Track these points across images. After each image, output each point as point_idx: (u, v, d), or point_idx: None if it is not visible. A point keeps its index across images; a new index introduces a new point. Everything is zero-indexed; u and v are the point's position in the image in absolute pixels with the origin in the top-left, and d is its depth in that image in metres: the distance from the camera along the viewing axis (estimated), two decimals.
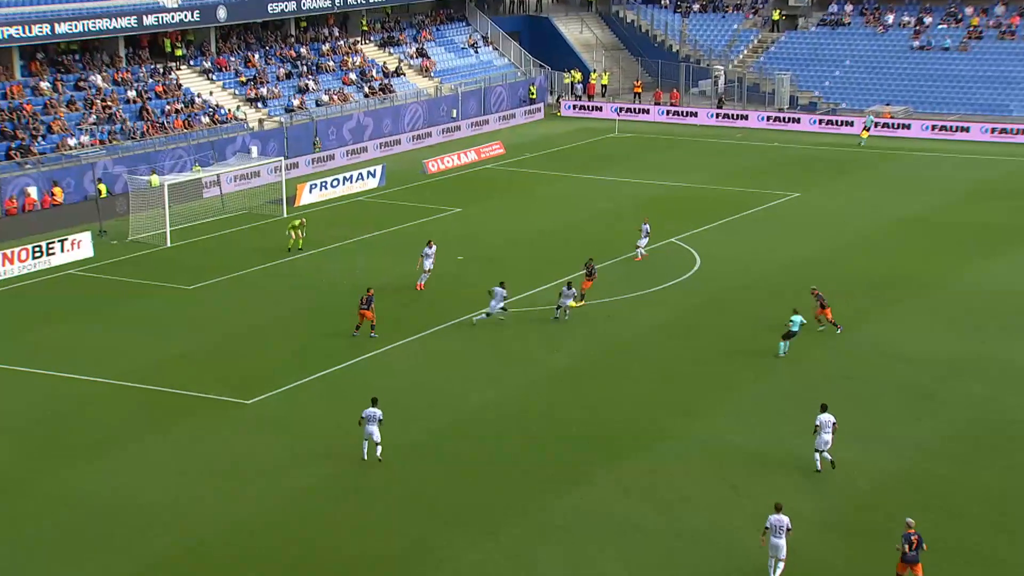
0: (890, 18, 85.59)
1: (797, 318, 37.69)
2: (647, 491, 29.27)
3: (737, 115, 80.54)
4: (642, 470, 30.43)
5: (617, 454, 31.29)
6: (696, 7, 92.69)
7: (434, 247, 45.11)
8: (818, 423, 29.86)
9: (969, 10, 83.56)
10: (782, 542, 24.96)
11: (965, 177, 62.82)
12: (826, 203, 58.34)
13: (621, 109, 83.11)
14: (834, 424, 29.77)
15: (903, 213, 55.71)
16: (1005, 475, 29.63)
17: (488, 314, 40.26)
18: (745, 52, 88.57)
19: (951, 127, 73.29)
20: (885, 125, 74.92)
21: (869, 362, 37.20)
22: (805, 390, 35.06)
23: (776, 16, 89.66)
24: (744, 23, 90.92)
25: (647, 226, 48.84)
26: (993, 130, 72.13)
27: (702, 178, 64.35)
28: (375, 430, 30.27)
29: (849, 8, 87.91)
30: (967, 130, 72.90)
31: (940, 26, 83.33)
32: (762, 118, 79.45)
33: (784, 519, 25.03)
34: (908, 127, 74.25)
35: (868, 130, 72.16)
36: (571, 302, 40.93)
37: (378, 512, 28.31)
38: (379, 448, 30.36)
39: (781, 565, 25.02)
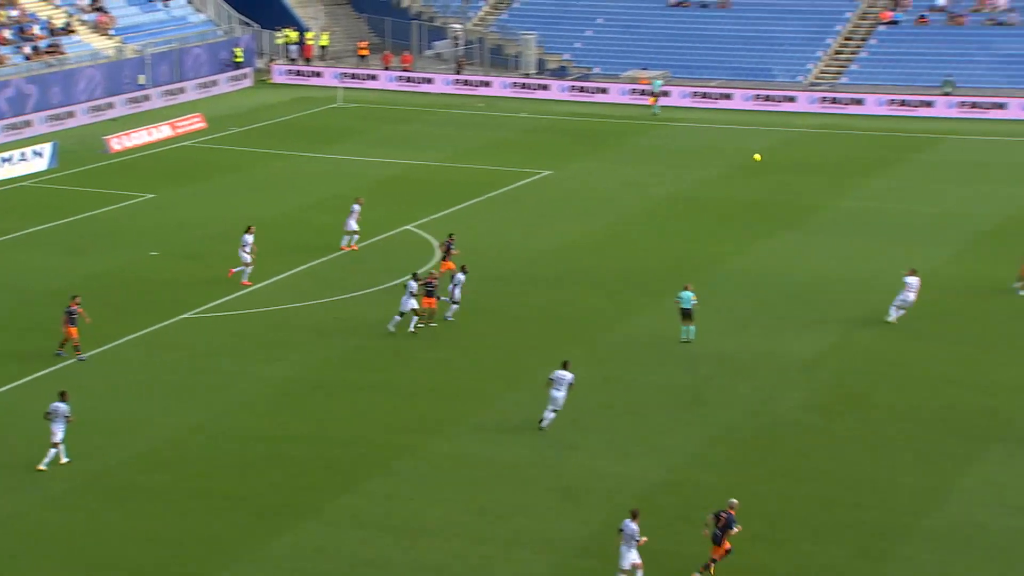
0: None
1: (687, 294, 38.83)
2: (383, 520, 29.39)
3: (479, 82, 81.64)
4: (378, 496, 30.54)
5: (349, 479, 31.28)
6: None
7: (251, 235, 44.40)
8: (552, 378, 31.96)
9: None
10: (633, 552, 26.06)
11: (729, 149, 65.68)
12: (582, 181, 59.90)
13: (344, 75, 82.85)
14: (571, 383, 32.47)
15: (666, 191, 57.83)
16: (772, 480, 31.18)
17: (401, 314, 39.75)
18: (485, 9, 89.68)
19: (713, 94, 76.51)
20: (642, 92, 77.37)
21: (633, 362, 38.43)
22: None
23: None
24: None
25: (358, 206, 48.50)
26: (757, 96, 75.72)
27: (441, 155, 64.95)
28: (60, 430, 30.19)
29: None
30: (730, 97, 76.30)
31: None
32: (507, 85, 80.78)
33: (635, 527, 26.11)
34: (667, 94, 77.01)
35: (657, 97, 74.30)
36: (413, 303, 40.04)
37: (53, 560, 27.37)
38: (62, 449, 29.86)
39: (639, 574, 26.06)
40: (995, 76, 74.25)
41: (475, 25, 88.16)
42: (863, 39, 79.95)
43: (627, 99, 77.36)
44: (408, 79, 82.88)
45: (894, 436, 33.35)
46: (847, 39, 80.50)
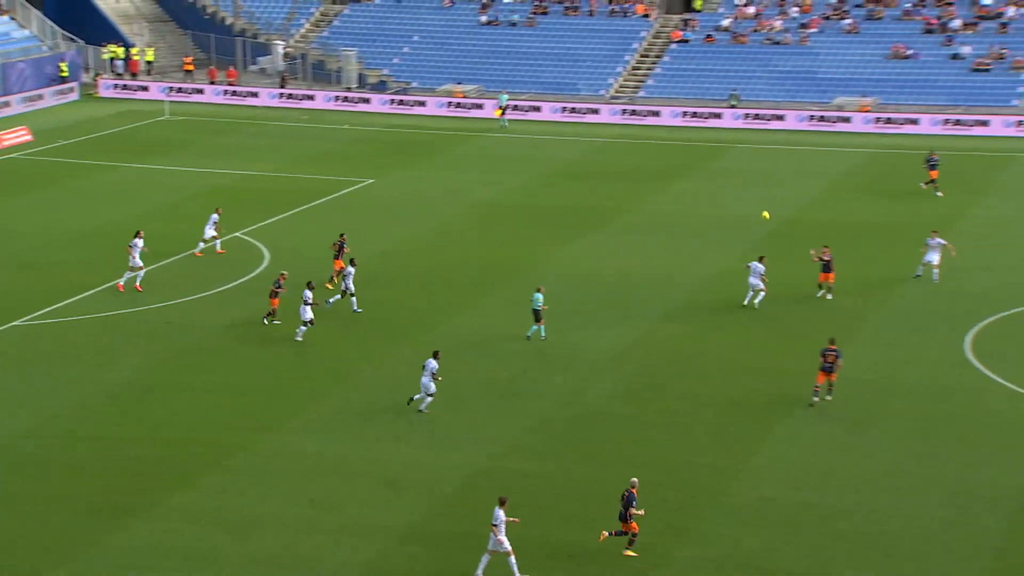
0: None
1: (539, 296, 39.08)
2: (217, 515, 28.91)
3: (302, 95, 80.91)
4: (211, 492, 30.03)
5: (182, 477, 30.68)
6: None
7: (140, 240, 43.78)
8: (425, 366, 33.75)
9: None
10: (502, 537, 26.12)
11: (540, 158, 66.26)
12: (404, 189, 59.76)
13: (171, 89, 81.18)
14: (435, 372, 33.65)
15: (482, 197, 58.06)
16: (584, 465, 31.58)
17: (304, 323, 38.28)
18: (307, 26, 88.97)
19: (523, 106, 77.08)
20: (458, 105, 77.68)
21: (454, 358, 38.46)
22: (386, 391, 35.89)
23: None
24: None
25: (216, 216, 48.15)
26: (564, 109, 76.59)
27: (268, 165, 64.13)
28: None
29: None
30: (539, 109, 76.96)
31: (507, 0, 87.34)
32: (330, 98, 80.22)
33: (502, 514, 26.16)
34: (481, 107, 77.38)
35: (504, 110, 74.39)
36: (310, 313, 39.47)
37: None
38: None
39: (512, 560, 26.06)
40: (774, 90, 76.43)
41: (297, 42, 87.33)
42: (658, 56, 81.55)
43: (444, 111, 77.55)
44: (234, 93, 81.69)
45: (693, 421, 34.07)
46: (643, 56, 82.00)
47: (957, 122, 69.64)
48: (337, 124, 75.13)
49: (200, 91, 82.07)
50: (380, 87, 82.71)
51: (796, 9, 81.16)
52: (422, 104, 78.72)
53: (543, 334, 39.43)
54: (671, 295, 43.80)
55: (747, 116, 73.49)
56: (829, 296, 42.61)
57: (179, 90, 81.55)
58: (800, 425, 33.66)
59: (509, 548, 26.20)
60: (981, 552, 27.15)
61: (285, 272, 41.95)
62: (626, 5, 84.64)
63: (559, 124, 74.83)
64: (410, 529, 28.41)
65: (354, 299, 41.89)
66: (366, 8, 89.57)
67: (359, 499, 29.72)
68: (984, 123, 69.24)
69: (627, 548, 27.13)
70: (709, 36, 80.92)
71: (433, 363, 34.18)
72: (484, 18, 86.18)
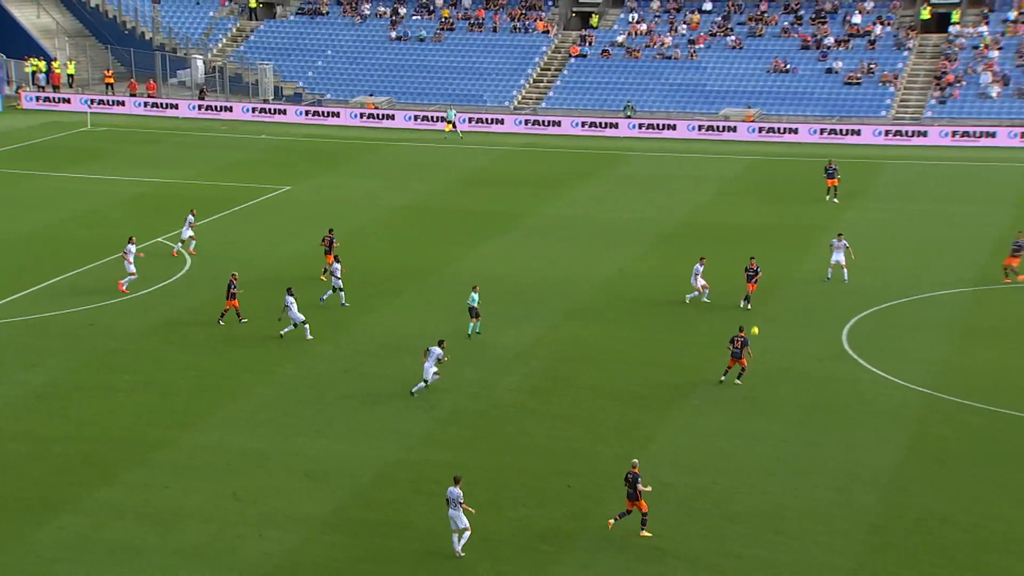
0: (367, 8, 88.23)
1: (474, 295, 38.90)
2: (142, 509, 28.31)
3: (221, 107, 79.79)
4: (136, 487, 29.40)
5: (107, 472, 30.01)
6: None
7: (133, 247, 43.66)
8: (429, 353, 34.22)
9: (439, 1, 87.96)
10: (459, 513, 26.17)
11: (448, 166, 66.06)
12: (319, 195, 59.19)
13: (92, 101, 79.55)
14: (439, 358, 34.25)
15: (394, 203, 57.70)
16: (494, 454, 31.45)
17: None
18: (224, 41, 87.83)
19: (432, 117, 76.85)
20: (371, 116, 77.19)
21: (371, 354, 38.18)
22: (306, 388, 35.50)
23: (253, 4, 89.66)
24: (220, 10, 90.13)
25: (191, 217, 48.40)
26: (471, 119, 76.42)
27: (188, 173, 63.16)
28: None
29: None
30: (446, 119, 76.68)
31: (415, 17, 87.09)
32: (247, 110, 79.21)
33: (458, 491, 26.23)
34: (392, 118, 76.96)
35: (452, 124, 73.85)
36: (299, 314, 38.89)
37: None
38: None
39: (466, 535, 26.21)
40: (666, 102, 77.09)
41: (214, 55, 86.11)
42: (558, 70, 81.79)
43: (357, 122, 77.06)
44: (154, 105, 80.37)
45: (596, 412, 34.12)
46: (544, 69, 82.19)
47: (832, 131, 70.76)
48: (255, 134, 74.20)
49: (121, 103, 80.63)
50: (296, 99, 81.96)
51: (685, 26, 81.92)
52: (336, 115, 78.14)
53: (479, 330, 39.31)
54: (574, 294, 43.88)
55: (641, 126, 73.99)
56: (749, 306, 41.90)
57: (101, 102, 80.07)
58: (695, 414, 33.88)
59: (467, 523, 26.33)
60: (860, 528, 27.55)
61: (236, 272, 41.25)
62: (527, 22, 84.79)
63: (466, 133, 74.64)
64: (330, 518, 28.06)
65: (342, 293, 41.93)
66: (281, 24, 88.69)
67: (280, 491, 29.29)
68: (856, 132, 70.46)
69: (642, 529, 27.15)
70: (605, 51, 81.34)
71: (438, 351, 34.42)
72: (394, 34, 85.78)
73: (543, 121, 75.79)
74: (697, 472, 30.36)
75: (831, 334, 39.64)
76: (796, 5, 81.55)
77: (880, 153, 67.20)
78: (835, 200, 56.36)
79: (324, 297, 42.27)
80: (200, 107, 79.83)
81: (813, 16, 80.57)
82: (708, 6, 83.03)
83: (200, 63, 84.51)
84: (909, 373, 36.07)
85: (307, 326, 38.98)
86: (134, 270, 43.42)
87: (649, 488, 27.45)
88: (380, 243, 50.99)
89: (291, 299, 38.93)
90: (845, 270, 44.59)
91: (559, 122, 75.19)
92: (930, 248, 48.74)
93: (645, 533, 27.19)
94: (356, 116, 77.66)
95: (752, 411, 33.91)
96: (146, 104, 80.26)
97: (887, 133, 70.21)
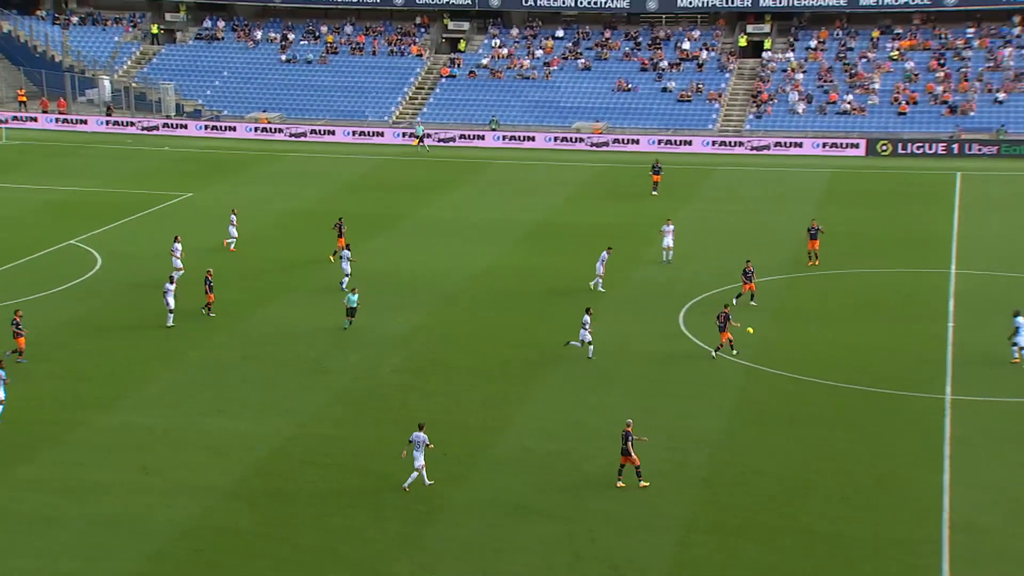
0: (259, 34, 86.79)
1: (354, 296, 38.43)
2: (59, 484, 27.62)
3: (127, 122, 77.75)
4: (53, 464, 28.65)
5: (26, 452, 29.18)
6: (75, 19, 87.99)
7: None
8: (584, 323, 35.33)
9: (324, 28, 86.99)
10: (420, 454, 27.24)
11: (334, 174, 65.39)
12: (220, 201, 57.96)
13: (7, 118, 76.66)
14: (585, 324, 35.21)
15: (286, 207, 56.90)
16: (379, 428, 31.39)
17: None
18: (129, 63, 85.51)
19: (320, 130, 76.00)
20: (264, 130, 75.97)
21: (267, 342, 37.69)
22: (209, 372, 34.97)
23: (155, 30, 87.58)
24: (125, 36, 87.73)
25: (234, 217, 48.47)
26: (354, 132, 75.80)
27: (98, 182, 61.44)
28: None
29: (222, 24, 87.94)
30: (333, 133, 75.92)
31: (302, 42, 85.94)
32: (152, 125, 77.25)
33: (423, 435, 27.30)
34: (282, 131, 75.86)
35: (420, 139, 72.63)
36: None
37: None
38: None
39: (418, 474, 27.28)
40: (525, 116, 77.40)
41: (120, 76, 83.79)
42: (431, 88, 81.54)
43: (251, 135, 75.79)
44: (65, 121, 77.87)
45: (468, 388, 34.25)
46: (419, 88, 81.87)
47: (668, 141, 71.92)
48: (158, 147, 72.45)
49: (34, 119, 77.95)
50: (195, 115, 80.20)
51: (541, 51, 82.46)
52: (232, 129, 76.76)
53: (347, 326, 38.88)
54: (448, 286, 43.91)
55: (505, 137, 74.24)
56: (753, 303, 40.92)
57: (14, 118, 77.28)
58: (553, 389, 34.24)
59: (423, 464, 27.29)
60: (693, 482, 28.21)
61: (211, 269, 40.57)
62: (403, 46, 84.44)
63: (351, 144, 74.02)
64: (231, 488, 27.70)
65: (346, 279, 42.10)
66: (181, 48, 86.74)
67: (186, 464, 28.81)
68: (688, 142, 71.75)
69: (640, 480, 27.45)
70: (472, 72, 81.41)
71: (587, 317, 35.71)
72: (284, 57, 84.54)
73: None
74: (555, 439, 30.70)
75: (669, 317, 40.37)
76: (635, 33, 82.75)
77: (708, 160, 68.63)
78: (654, 192, 58.27)
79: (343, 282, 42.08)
80: (108, 122, 77.65)
81: (650, 43, 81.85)
82: (560, 33, 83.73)
83: (107, 83, 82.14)
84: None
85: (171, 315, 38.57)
86: (181, 265, 43.18)
87: (646, 439, 28.11)
88: (274, 243, 50.29)
89: (169, 284, 38.49)
90: (671, 251, 45.73)
91: (432, 135, 74.97)
92: (750, 241, 50.02)
93: (644, 484, 27.57)
94: (251, 130, 76.40)
95: (601, 385, 34.41)
96: (57, 120, 77.75)
97: (713, 143, 71.71)
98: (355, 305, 38.87)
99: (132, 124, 77.22)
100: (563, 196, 59.84)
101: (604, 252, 42.85)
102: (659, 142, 71.94)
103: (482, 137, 74.50)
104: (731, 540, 25.52)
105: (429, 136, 73.20)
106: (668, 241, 45.86)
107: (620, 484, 27.65)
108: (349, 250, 43.27)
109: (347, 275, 42.50)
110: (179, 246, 44.15)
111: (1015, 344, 35.32)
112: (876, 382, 34.07)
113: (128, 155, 69.61)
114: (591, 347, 35.63)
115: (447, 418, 31.94)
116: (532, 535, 25.75)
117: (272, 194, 59.81)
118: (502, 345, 37.78)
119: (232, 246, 48.42)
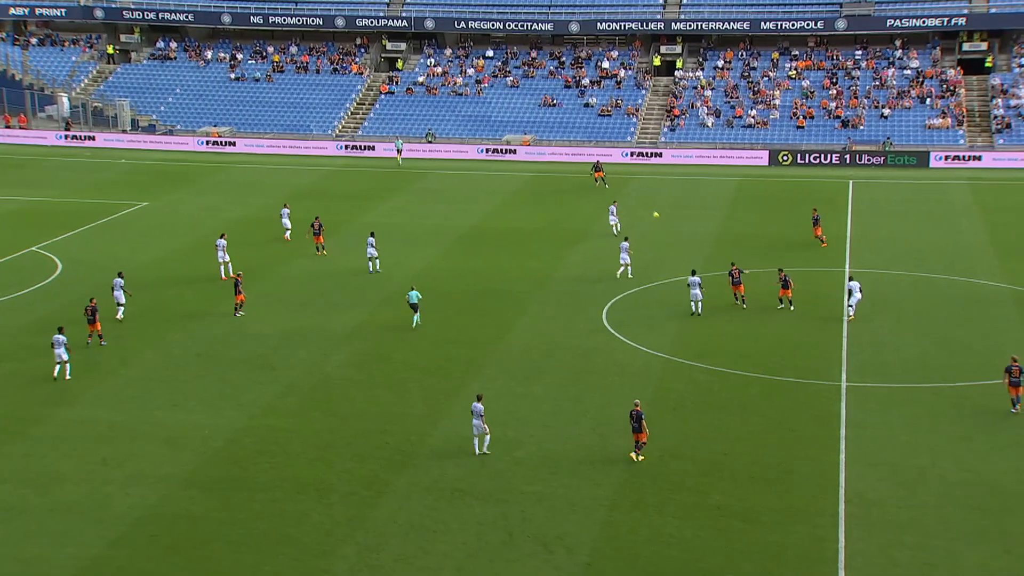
0: (209, 54, 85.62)
1: (414, 293, 38.22)
2: (22, 474, 26.99)
3: (85, 136, 76.16)
4: (17, 456, 27.98)
5: None
6: (35, 40, 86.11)
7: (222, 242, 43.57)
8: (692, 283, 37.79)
9: (271, 48, 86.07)
10: (481, 422, 28.33)
11: (280, 184, 64.63)
12: (173, 208, 57.15)
13: None
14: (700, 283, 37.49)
15: (235, 215, 56.15)
16: (325, 419, 31.10)
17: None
18: (86, 81, 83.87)
19: (266, 144, 75.13)
20: (215, 143, 74.96)
21: (222, 341, 37.16)
22: (167, 370, 34.41)
23: (111, 50, 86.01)
24: (83, 56, 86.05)
25: (287, 210, 50.27)
26: (299, 145, 75.01)
27: (57, 192, 60.17)
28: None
29: (174, 45, 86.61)
30: (279, 146, 75.09)
31: (250, 61, 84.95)
32: (109, 139, 75.84)
33: (480, 406, 28.35)
34: (234, 144, 74.90)
35: (400, 152, 71.56)
36: None
37: None
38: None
39: (487, 438, 28.37)
40: (459, 129, 77.31)
41: (78, 93, 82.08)
42: (371, 104, 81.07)
43: (203, 148, 74.76)
44: (26, 135, 75.97)
45: (408, 381, 34.10)
46: (360, 104, 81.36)
47: (590, 153, 72.33)
48: (115, 159, 71.07)
49: None
50: (150, 129, 78.89)
51: (473, 69, 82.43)
52: (184, 143, 75.60)
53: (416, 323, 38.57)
54: (388, 286, 43.66)
55: (439, 149, 74.06)
56: (791, 308, 40.09)
57: None
58: (487, 381, 34.21)
59: (487, 429, 28.23)
60: (616, 464, 28.39)
61: (241, 272, 41.04)
62: (345, 65, 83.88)
63: (295, 156, 73.29)
64: (187, 477, 27.29)
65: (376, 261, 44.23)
66: (136, 67, 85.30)
67: (143, 455, 28.32)
68: (608, 154, 72.29)
69: (638, 453, 28.07)
70: (409, 89, 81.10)
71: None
72: (233, 75, 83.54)
73: (360, 146, 75.01)
74: (489, 426, 30.64)
75: (594, 313, 40.57)
76: (559, 53, 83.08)
77: (627, 170, 69.15)
78: (606, 185, 61.34)
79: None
80: (67, 136, 76.05)
81: (573, 62, 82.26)
82: (491, 53, 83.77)
83: (65, 100, 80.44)
84: (652, 343, 37.33)
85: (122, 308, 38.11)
86: (228, 258, 43.52)
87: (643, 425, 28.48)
88: (227, 247, 49.43)
89: (119, 279, 37.80)
90: (619, 225, 49.93)
91: (373, 147, 74.57)
92: (667, 244, 50.49)
93: (640, 457, 28.11)
94: (202, 143, 75.32)
95: (532, 377, 34.47)
96: (19, 136, 75.91)
97: (632, 154, 72.26)
98: (416, 302, 38.50)
99: (91, 139, 75.66)
100: (494, 203, 59.85)
101: (624, 242, 44.76)
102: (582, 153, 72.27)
103: (418, 149, 74.23)
104: (652, 517, 25.73)
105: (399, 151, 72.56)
106: (614, 220, 50.30)
107: (640, 458, 28.20)
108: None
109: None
110: (223, 242, 44.19)
111: (849, 305, 38.15)
112: (780, 371, 34.60)
113: (86, 167, 68.22)
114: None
115: (388, 409, 31.78)
116: (468, 516, 25.72)
117: (222, 203, 59.00)
118: (439, 341, 37.68)
119: (287, 236, 49.69)
